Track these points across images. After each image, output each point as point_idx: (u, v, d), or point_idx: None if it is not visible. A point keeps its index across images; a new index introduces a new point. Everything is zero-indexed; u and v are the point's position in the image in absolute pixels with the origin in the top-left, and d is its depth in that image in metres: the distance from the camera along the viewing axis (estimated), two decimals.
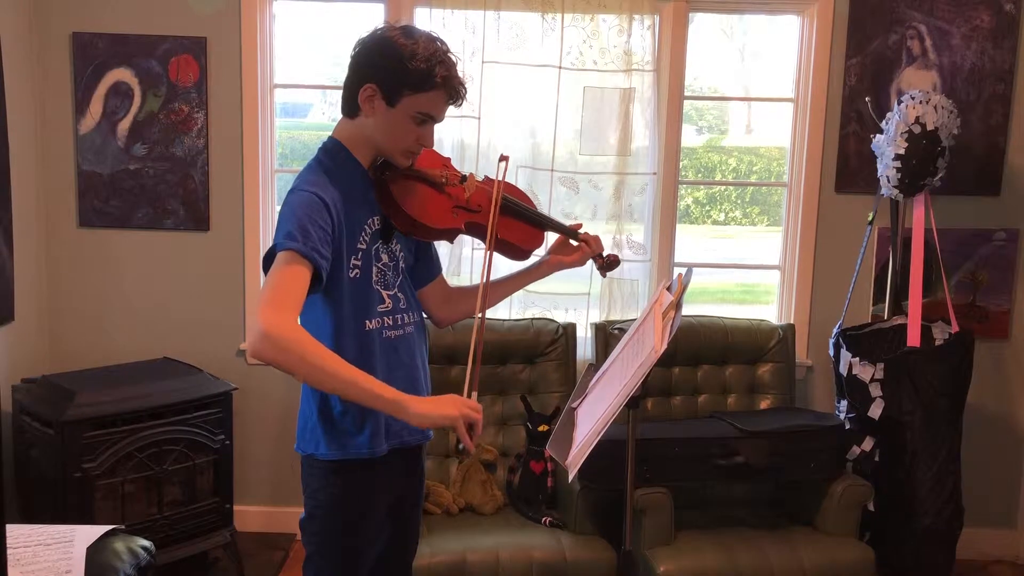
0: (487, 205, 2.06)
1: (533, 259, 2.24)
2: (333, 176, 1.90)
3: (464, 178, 2.05)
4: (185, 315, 3.70)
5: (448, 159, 2.12)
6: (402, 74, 1.85)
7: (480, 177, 2.14)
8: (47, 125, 3.59)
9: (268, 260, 1.82)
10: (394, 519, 2.11)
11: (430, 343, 2.22)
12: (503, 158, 2.10)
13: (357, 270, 1.91)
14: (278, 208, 3.72)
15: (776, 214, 3.91)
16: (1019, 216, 3.63)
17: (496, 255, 2.09)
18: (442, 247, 3.52)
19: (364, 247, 1.93)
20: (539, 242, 2.20)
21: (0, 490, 1.47)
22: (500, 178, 2.07)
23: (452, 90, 1.90)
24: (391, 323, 1.97)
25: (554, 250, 2.24)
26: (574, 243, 2.23)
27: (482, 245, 2.08)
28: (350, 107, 1.94)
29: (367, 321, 1.92)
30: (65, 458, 2.92)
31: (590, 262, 2.25)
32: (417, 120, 1.90)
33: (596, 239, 2.22)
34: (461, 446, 1.88)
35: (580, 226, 2.24)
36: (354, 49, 1.92)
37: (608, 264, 2.25)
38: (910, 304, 3.29)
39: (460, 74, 1.92)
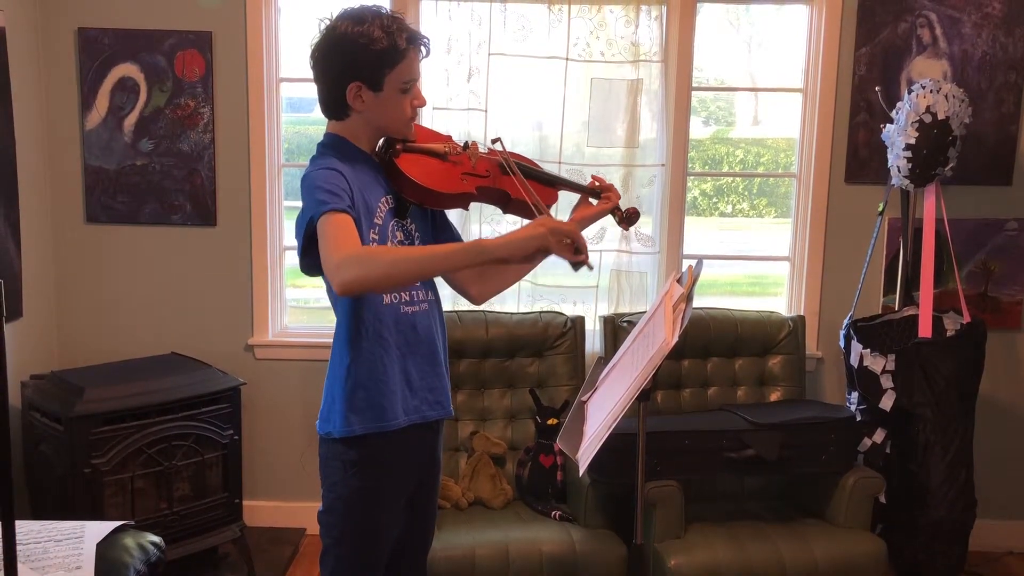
0: (495, 170, 2.10)
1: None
2: (340, 159, 1.95)
3: (467, 145, 2.10)
4: (193, 310, 3.70)
5: (449, 136, 2.15)
6: (375, 59, 1.90)
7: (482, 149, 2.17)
8: (53, 121, 3.59)
9: (305, 238, 1.88)
10: (411, 508, 2.12)
11: None
12: (495, 141, 2.15)
13: (375, 244, 1.95)
14: (285, 203, 3.73)
15: (784, 206, 3.89)
16: None
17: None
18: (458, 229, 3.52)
19: (380, 223, 1.97)
20: (553, 199, 2.22)
21: (9, 486, 1.46)
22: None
23: (420, 45, 1.96)
24: (408, 299, 2.01)
25: (577, 208, 2.24)
26: (593, 201, 2.24)
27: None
28: (338, 111, 1.99)
29: (385, 295, 1.97)
30: (74, 454, 2.92)
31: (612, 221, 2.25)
32: (403, 90, 1.96)
33: (613, 187, 2.24)
34: (577, 265, 1.89)
35: (595, 181, 2.25)
36: (311, 59, 1.96)
37: (628, 217, 2.22)
38: (921, 295, 3.26)
39: (410, 25, 1.97)
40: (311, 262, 1.91)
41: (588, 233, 2.38)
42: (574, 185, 2.27)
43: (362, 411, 1.95)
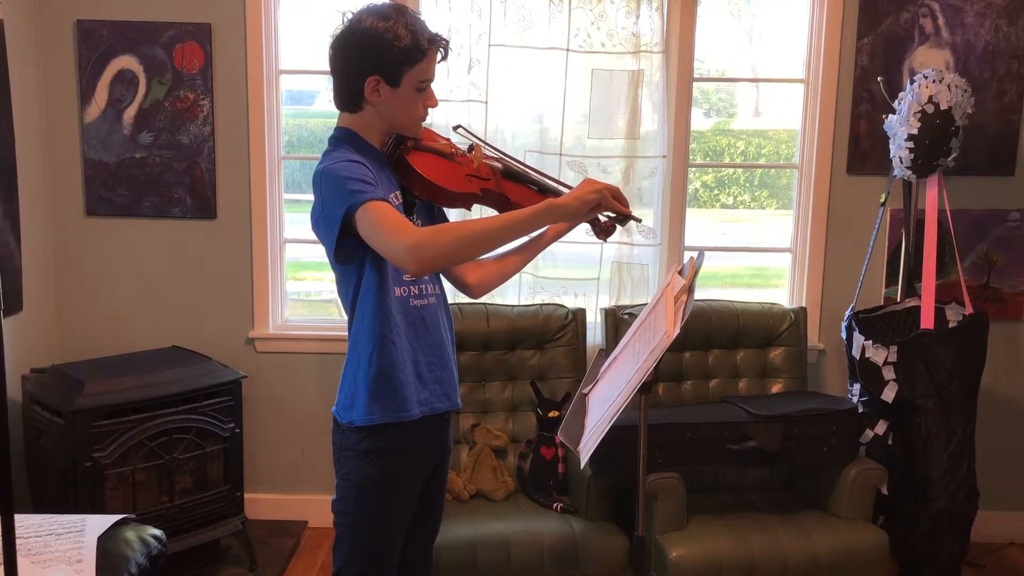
0: (496, 174, 2.16)
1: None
2: (355, 152, 1.99)
3: (471, 148, 2.15)
4: (193, 303, 3.70)
5: (449, 139, 2.19)
6: (397, 55, 1.94)
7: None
8: (52, 114, 3.58)
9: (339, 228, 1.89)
10: (421, 495, 2.15)
11: None
12: (456, 128, 2.22)
13: None
14: (286, 196, 3.72)
15: (785, 197, 3.88)
16: None
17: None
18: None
19: None
20: None
21: (9, 480, 1.46)
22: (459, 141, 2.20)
23: (440, 47, 2.00)
24: (416, 292, 2.05)
25: None
26: None
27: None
28: (353, 103, 2.02)
29: (396, 288, 2.01)
30: (75, 447, 2.92)
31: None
32: (419, 88, 2.00)
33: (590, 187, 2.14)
34: (625, 219, 2.06)
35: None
36: (332, 49, 2.00)
37: (605, 230, 2.16)
38: (923, 286, 3.26)
39: (432, 29, 2.01)
40: (347, 251, 1.94)
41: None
42: (562, 190, 2.24)
43: (383, 400, 1.99)
